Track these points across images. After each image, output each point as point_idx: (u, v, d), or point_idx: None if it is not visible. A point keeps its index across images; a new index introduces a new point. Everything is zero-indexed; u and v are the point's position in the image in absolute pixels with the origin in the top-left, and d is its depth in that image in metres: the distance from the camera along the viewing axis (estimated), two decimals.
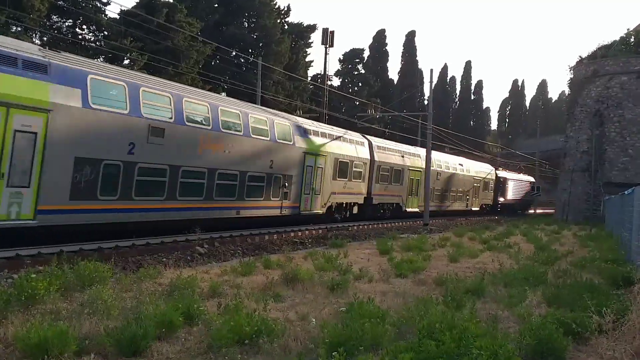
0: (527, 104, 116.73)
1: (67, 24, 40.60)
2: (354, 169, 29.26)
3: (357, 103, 62.71)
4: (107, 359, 6.37)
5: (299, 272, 11.39)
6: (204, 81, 42.33)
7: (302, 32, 62.29)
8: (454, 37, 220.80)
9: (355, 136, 31.22)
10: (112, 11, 42.82)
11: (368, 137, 33.25)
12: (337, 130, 29.38)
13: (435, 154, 39.96)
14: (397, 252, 17.21)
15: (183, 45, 41.63)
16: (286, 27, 60.40)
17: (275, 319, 7.89)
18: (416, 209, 37.42)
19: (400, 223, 32.24)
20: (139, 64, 36.73)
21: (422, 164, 37.17)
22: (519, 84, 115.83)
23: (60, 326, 6.48)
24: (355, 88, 73.01)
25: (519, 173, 66.16)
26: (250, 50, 53.55)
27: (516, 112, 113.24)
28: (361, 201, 30.63)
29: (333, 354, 6.02)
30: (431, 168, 36.03)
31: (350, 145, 29.31)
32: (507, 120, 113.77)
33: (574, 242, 24.53)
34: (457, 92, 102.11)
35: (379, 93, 72.20)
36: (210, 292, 9.78)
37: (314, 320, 8.23)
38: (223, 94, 42.71)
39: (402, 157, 35.99)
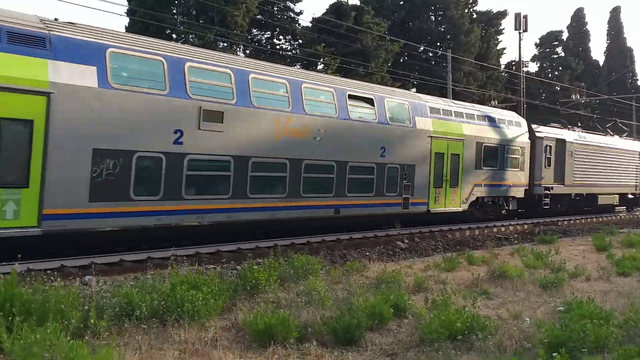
0: None
1: (265, 36, 43.84)
2: None
3: (558, 88, 58.41)
4: (326, 346, 6.69)
5: (507, 269, 11.00)
6: (394, 79, 42.76)
7: (492, 20, 59.72)
8: None
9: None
10: (305, 20, 45.21)
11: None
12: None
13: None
14: (616, 248, 15.75)
15: (372, 46, 42.47)
16: (475, 16, 58.46)
17: (486, 316, 7.69)
18: None
19: (619, 217, 28.80)
20: (332, 68, 38.31)
21: None
22: None
23: (282, 314, 6.97)
24: (555, 73, 68.03)
25: (602, 135, 32.85)
26: (438, 44, 52.85)
27: None
28: None
29: (553, 354, 5.72)
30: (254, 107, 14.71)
31: None
32: None
33: None
34: None
35: (582, 76, 66.37)
36: (415, 286, 9.88)
37: (527, 319, 7.94)
38: (413, 89, 42.71)
39: None
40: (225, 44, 37.21)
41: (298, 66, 40.02)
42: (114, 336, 6.29)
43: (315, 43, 39.45)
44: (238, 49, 39.59)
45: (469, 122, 21.40)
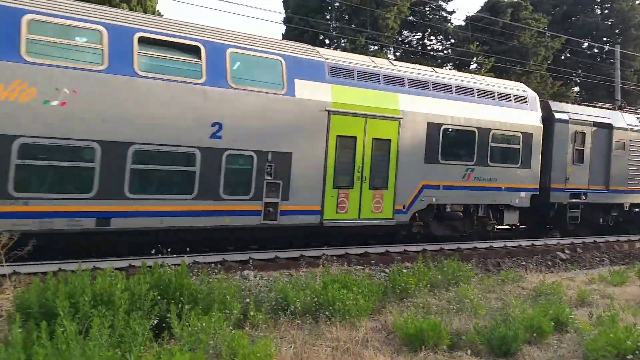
0: None
1: (416, 37, 43.48)
2: None
3: None
4: (479, 357, 6.47)
5: None
6: (554, 77, 40.23)
7: None
8: None
9: None
10: (458, 18, 44.17)
11: None
12: None
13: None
14: None
15: (530, 43, 40.32)
16: None
17: None
18: None
19: None
20: (485, 67, 37.00)
21: None
22: None
23: (434, 320, 6.85)
24: None
25: None
26: (604, 39, 48.74)
27: None
28: None
29: None
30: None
31: None
32: None
33: None
34: None
35: None
36: (578, 300, 9.25)
37: None
38: (576, 88, 39.84)
39: None
40: (376, 47, 37.51)
41: (449, 67, 39.13)
42: (271, 329, 6.60)
43: (468, 42, 38.37)
44: (388, 52, 39.74)
45: (416, 93, 14.21)
